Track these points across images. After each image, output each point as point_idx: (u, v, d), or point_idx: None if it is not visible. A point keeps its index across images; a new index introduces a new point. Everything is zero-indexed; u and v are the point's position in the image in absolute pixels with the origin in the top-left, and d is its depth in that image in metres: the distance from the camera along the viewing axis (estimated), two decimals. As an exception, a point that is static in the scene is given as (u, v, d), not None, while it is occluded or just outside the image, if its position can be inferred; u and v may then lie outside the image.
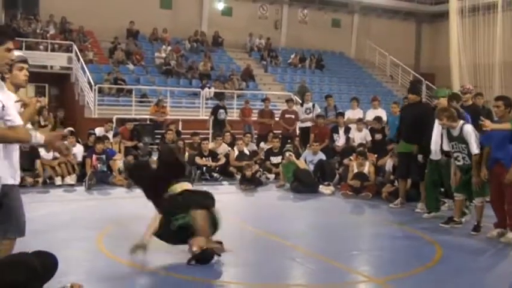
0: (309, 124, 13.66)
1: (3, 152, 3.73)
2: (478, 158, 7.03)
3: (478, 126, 7.21)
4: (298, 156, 11.74)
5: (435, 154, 7.97)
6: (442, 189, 8.56)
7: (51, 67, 20.01)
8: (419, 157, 8.37)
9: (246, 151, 12.53)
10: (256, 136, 15.30)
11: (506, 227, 6.88)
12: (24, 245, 5.02)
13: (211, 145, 12.74)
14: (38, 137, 3.57)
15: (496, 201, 6.97)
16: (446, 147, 7.61)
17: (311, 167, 11.25)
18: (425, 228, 7.54)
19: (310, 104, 14.28)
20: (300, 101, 17.25)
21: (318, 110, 14.05)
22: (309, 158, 11.62)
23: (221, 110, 16.05)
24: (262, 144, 13.84)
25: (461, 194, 7.51)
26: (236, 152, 12.35)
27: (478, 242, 6.83)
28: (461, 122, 7.30)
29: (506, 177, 6.56)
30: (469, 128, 7.19)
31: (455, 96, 8.78)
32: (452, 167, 7.60)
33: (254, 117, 16.02)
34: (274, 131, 14.19)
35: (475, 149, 7.05)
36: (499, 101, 6.89)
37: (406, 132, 8.78)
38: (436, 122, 7.77)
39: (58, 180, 10.41)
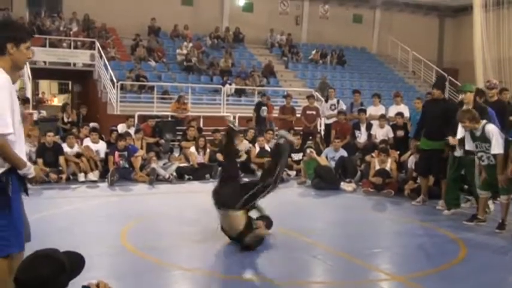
0: (334, 120, 13.58)
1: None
2: (502, 157, 6.94)
3: (504, 122, 7.11)
4: (319, 153, 11.69)
5: (458, 151, 7.88)
6: (466, 187, 8.47)
7: (74, 64, 20.23)
8: (459, 152, 8.15)
9: (267, 148, 12.52)
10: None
11: None
12: (49, 240, 5.10)
13: (232, 142, 12.73)
14: (31, 169, 3.57)
15: None
16: (468, 147, 7.48)
17: (332, 164, 11.20)
18: (449, 225, 7.46)
19: (335, 100, 14.21)
20: (322, 98, 17.20)
21: (343, 106, 13.98)
22: (330, 155, 11.57)
23: (263, 107, 15.81)
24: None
25: (486, 192, 7.42)
26: (257, 149, 12.34)
27: (503, 240, 6.74)
28: (484, 121, 7.19)
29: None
30: (490, 128, 7.08)
31: (480, 92, 8.65)
32: (477, 167, 7.48)
33: (275, 113, 15.98)
34: (296, 128, 14.15)
35: (496, 149, 6.95)
36: None
37: (429, 129, 8.68)
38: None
39: (81, 177, 10.52)
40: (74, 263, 2.79)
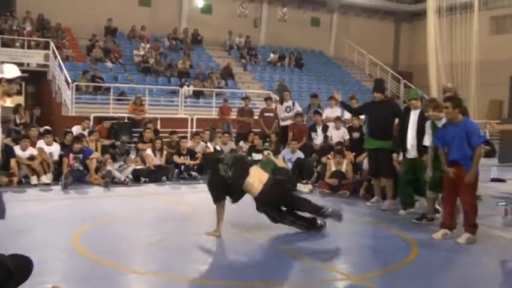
0: (289, 122, 13.68)
1: None
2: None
3: None
4: (278, 152, 11.76)
5: (411, 152, 8.06)
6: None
7: (28, 64, 19.73)
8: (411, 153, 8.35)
9: (223, 148, 12.51)
10: (235, 135, 15.27)
11: (452, 228, 6.90)
12: (0, 244, 4.96)
13: (189, 143, 12.70)
14: None
15: (447, 200, 6.98)
16: (427, 143, 7.60)
17: (289, 165, 11.28)
18: (401, 226, 7.60)
19: (290, 102, 14.31)
20: (279, 100, 17.27)
21: (298, 108, 14.08)
22: (288, 157, 11.65)
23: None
24: (241, 143, 13.81)
25: (434, 192, 7.60)
26: (211, 149, 12.31)
27: (452, 240, 6.90)
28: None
29: (467, 177, 6.59)
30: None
31: (434, 103, 8.62)
32: (429, 167, 7.60)
33: (233, 115, 15.98)
34: (254, 130, 14.17)
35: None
36: (447, 102, 6.85)
37: (375, 129, 8.97)
38: (411, 119, 7.90)
39: (34, 180, 10.28)
40: (21, 267, 2.73)
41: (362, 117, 12.62)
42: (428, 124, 7.59)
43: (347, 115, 12.91)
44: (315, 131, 12.60)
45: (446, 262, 6.04)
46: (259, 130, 14.10)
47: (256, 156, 12.04)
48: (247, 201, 7.03)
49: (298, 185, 10.57)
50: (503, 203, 8.65)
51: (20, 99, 25.19)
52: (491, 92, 23.06)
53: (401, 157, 9.13)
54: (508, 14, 26.14)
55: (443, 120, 7.21)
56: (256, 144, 12.51)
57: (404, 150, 8.24)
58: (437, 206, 8.06)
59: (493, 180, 12.17)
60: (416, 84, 24.80)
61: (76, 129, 13.23)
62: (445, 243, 6.75)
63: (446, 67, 22.19)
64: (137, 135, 14.79)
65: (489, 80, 21.92)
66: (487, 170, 12.28)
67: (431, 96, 8.02)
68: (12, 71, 4.89)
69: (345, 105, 10.74)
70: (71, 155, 10.73)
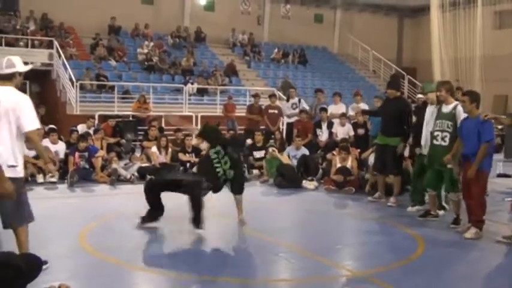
0: (295, 119, 13.66)
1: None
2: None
3: None
4: (283, 148, 11.74)
5: (425, 148, 7.99)
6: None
7: (32, 64, 19.73)
8: (417, 150, 8.34)
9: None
10: (242, 132, 15.18)
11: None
12: (8, 242, 4.99)
13: (194, 141, 12.70)
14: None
15: (468, 197, 6.97)
16: (427, 130, 7.63)
17: (294, 162, 11.28)
18: (407, 222, 7.61)
19: (296, 99, 14.29)
20: (284, 97, 17.27)
21: (304, 104, 14.06)
22: (292, 153, 11.65)
23: None
24: (249, 141, 13.68)
25: (432, 190, 7.59)
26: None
27: (458, 235, 6.90)
28: (456, 102, 7.29)
29: (468, 172, 6.60)
30: (462, 110, 7.11)
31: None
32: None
33: (237, 113, 15.95)
34: (261, 127, 14.12)
35: None
36: (465, 96, 6.86)
37: (385, 126, 8.90)
38: (427, 114, 7.80)
39: (40, 178, 10.31)
40: (30, 266, 2.75)
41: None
42: (435, 111, 7.49)
43: (351, 111, 12.92)
44: (320, 127, 12.60)
45: (453, 258, 6.04)
46: (263, 127, 14.09)
47: (258, 154, 12.05)
48: (257, 203, 7.04)
49: (304, 181, 10.57)
50: (510, 199, 8.63)
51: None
52: (495, 87, 23.06)
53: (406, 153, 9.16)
54: (512, 8, 26.04)
55: (451, 106, 7.19)
56: (257, 141, 12.41)
57: (417, 146, 8.22)
58: (444, 204, 8.05)
59: (500, 175, 12.13)
60: (420, 80, 24.80)
61: (81, 128, 13.27)
62: (451, 239, 6.76)
63: (450, 62, 22.28)
64: (142, 133, 14.81)
65: (494, 75, 21.94)
66: (493, 165, 12.24)
67: (432, 100, 7.87)
68: (22, 64, 5.14)
69: (367, 112, 10.75)
70: (77, 154, 10.76)
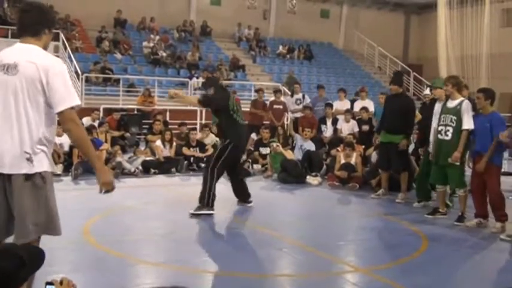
0: (299, 115, 13.64)
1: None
2: (467, 134, 7.06)
3: None
4: (286, 144, 11.74)
5: (432, 145, 7.95)
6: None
7: (38, 55, 19.75)
8: (420, 150, 8.37)
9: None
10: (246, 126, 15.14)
11: (486, 217, 7.01)
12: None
13: (198, 135, 12.70)
14: None
15: (476, 191, 7.07)
16: (433, 124, 7.63)
17: (301, 153, 11.30)
18: (411, 219, 7.60)
19: (300, 95, 14.26)
20: (289, 92, 17.23)
21: (308, 100, 14.03)
22: (300, 143, 11.67)
23: None
24: (253, 135, 13.66)
25: (442, 185, 7.58)
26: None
27: (462, 232, 6.90)
28: (462, 98, 7.30)
29: (477, 166, 6.67)
30: (467, 105, 7.14)
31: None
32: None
33: (242, 107, 15.83)
34: (264, 122, 14.11)
35: (466, 125, 7.04)
36: (480, 93, 6.94)
37: (388, 123, 8.86)
38: (435, 111, 7.77)
39: (44, 170, 10.31)
40: (33, 257, 2.73)
41: (372, 109, 12.63)
42: (440, 106, 7.49)
43: (357, 108, 12.89)
44: (325, 123, 12.58)
45: (456, 255, 6.02)
46: (268, 122, 14.06)
47: (264, 151, 12.03)
48: (261, 198, 7.03)
49: (308, 177, 10.57)
50: (514, 197, 8.62)
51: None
52: (502, 85, 22.88)
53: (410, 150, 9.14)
54: (520, 6, 25.88)
55: (456, 102, 7.17)
56: (264, 138, 12.37)
57: (425, 142, 8.21)
58: (447, 202, 8.03)
59: (504, 173, 12.06)
60: (426, 77, 24.72)
61: (86, 121, 13.27)
62: (455, 236, 6.75)
63: (457, 60, 22.16)
64: (147, 126, 14.82)
65: (500, 72, 21.83)
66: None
67: (441, 96, 7.83)
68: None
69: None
70: (81, 146, 10.74)
